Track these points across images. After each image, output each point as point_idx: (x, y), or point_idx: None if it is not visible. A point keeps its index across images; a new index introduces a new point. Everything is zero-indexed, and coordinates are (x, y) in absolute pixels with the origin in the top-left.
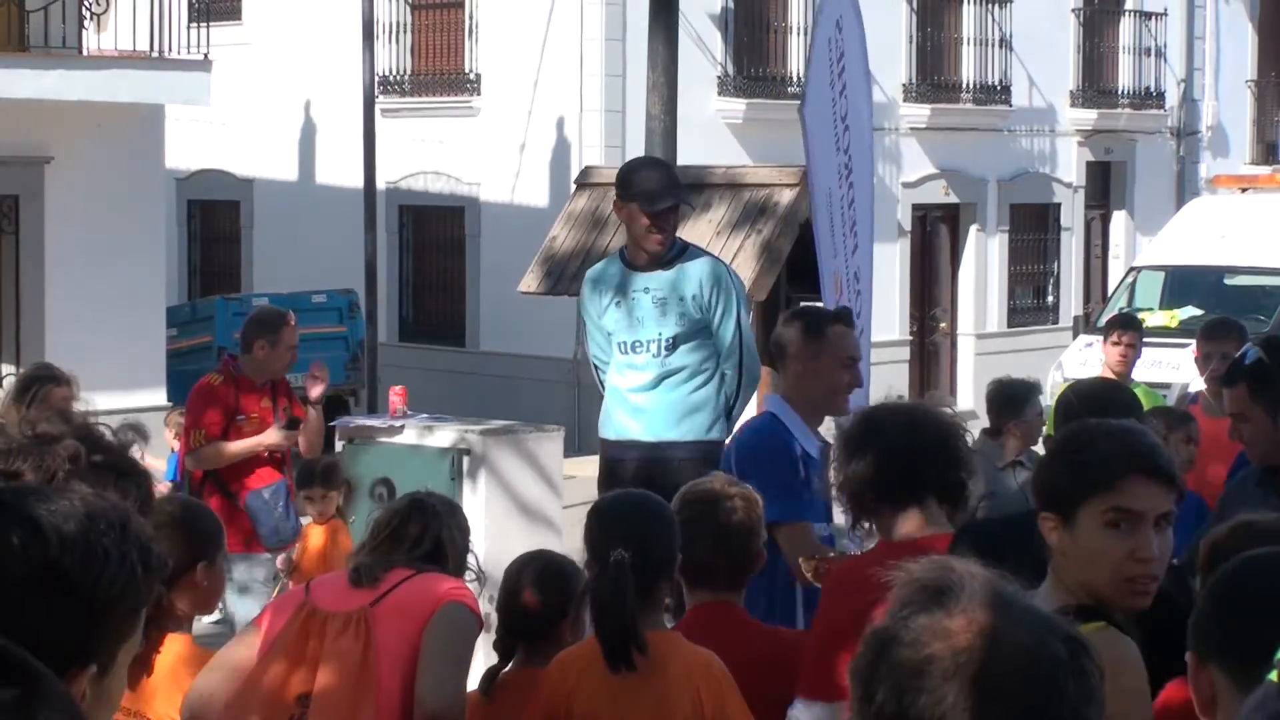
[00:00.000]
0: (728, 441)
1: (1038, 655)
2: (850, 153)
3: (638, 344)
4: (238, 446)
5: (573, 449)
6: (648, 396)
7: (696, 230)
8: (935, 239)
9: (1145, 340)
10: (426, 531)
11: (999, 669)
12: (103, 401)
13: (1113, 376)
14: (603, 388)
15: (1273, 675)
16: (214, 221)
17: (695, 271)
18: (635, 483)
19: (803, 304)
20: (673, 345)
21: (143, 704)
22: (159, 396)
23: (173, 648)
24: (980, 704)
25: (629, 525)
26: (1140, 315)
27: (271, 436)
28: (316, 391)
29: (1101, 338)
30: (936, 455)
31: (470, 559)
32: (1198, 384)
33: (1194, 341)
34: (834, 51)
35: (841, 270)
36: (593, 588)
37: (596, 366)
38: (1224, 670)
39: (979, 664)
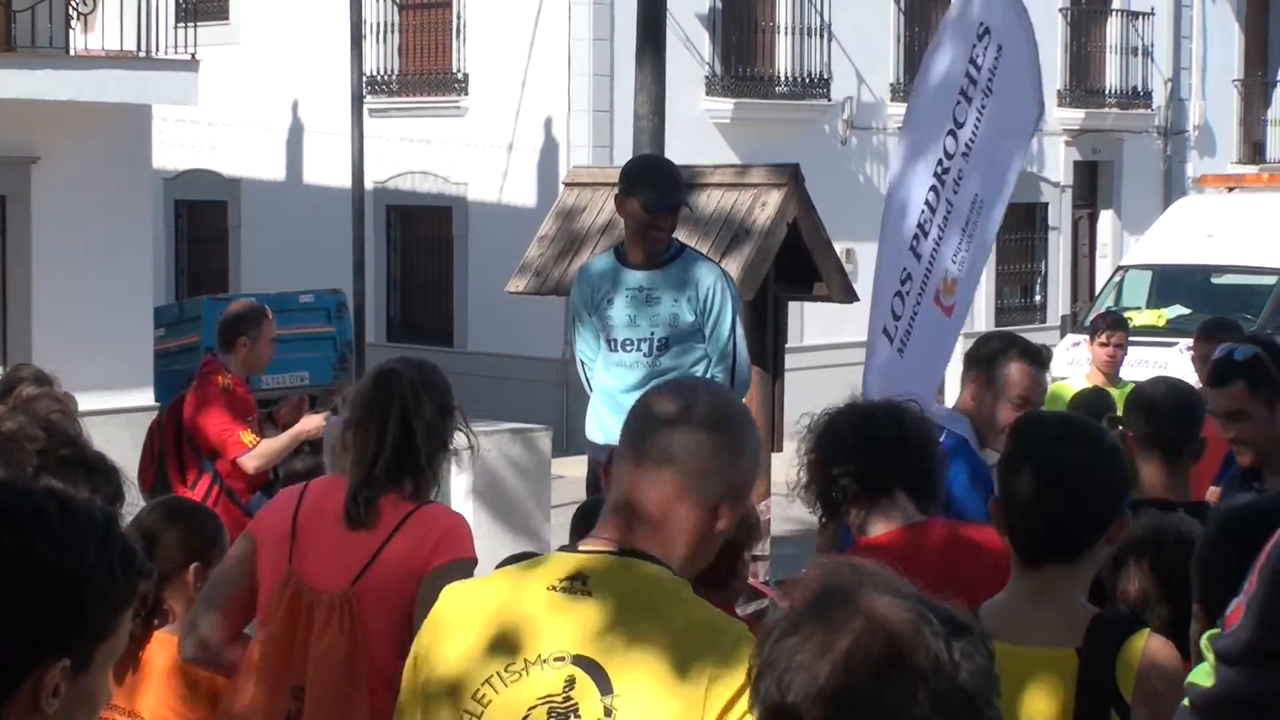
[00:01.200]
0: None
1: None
2: (959, 161)
3: (628, 343)
4: (286, 438)
5: (561, 449)
6: (635, 397)
7: (683, 229)
8: None
9: (1133, 340)
10: (404, 428)
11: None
12: (90, 402)
13: (1101, 376)
14: (588, 385)
15: (1185, 701)
16: (201, 221)
17: (690, 273)
18: None
19: (1014, 333)
20: (664, 346)
21: (135, 702)
22: (147, 396)
23: (164, 648)
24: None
25: None
26: (1128, 314)
27: (312, 422)
28: (289, 416)
29: (1088, 337)
30: (898, 450)
31: (458, 425)
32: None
33: (1181, 341)
34: (977, 59)
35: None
36: None
37: (583, 363)
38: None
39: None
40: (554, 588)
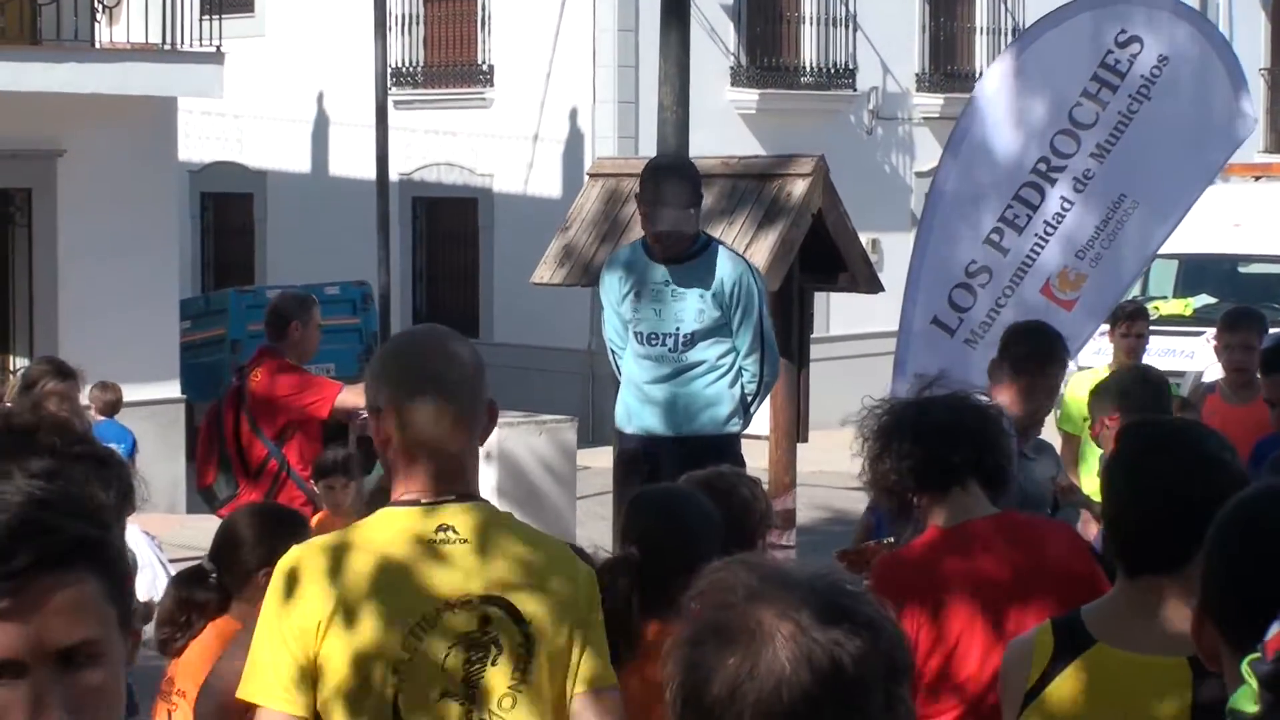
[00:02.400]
0: None
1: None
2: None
3: (654, 336)
4: (354, 396)
5: (586, 440)
6: (664, 389)
7: (708, 221)
8: None
9: (1160, 329)
10: None
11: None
12: None
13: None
14: (618, 371)
15: (1237, 699)
16: (227, 214)
17: (717, 267)
18: (649, 475)
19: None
20: (691, 340)
21: (185, 680)
22: (173, 389)
23: (215, 627)
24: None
25: (647, 522)
26: (1154, 304)
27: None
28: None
29: (1109, 327)
30: (975, 440)
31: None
32: (1213, 372)
33: (1207, 330)
34: (1117, 65)
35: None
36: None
37: (613, 351)
38: (1219, 630)
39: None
40: (429, 541)
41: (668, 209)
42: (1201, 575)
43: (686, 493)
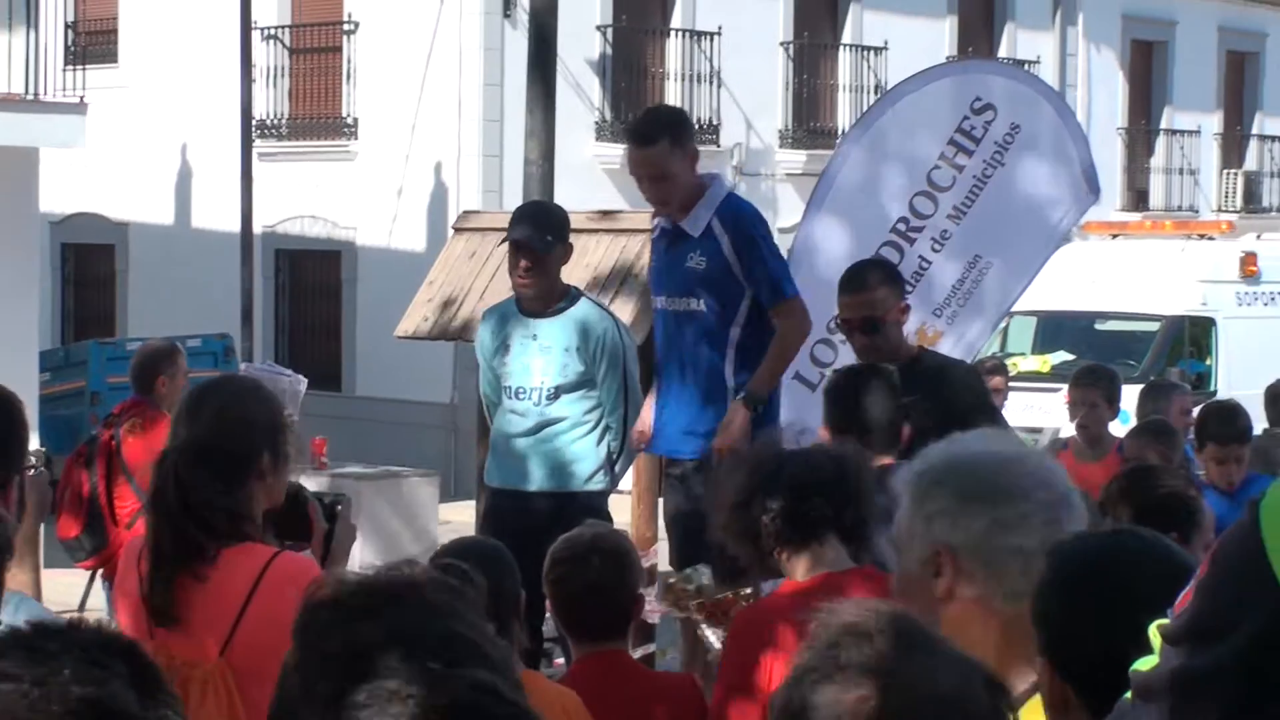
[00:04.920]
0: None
1: (957, 703)
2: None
3: (521, 390)
4: None
5: (449, 494)
6: (529, 443)
7: (574, 275)
8: None
9: (1018, 385)
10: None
11: None
12: None
13: None
14: (491, 423)
15: (1139, 663)
16: (88, 265)
17: (583, 322)
18: (514, 530)
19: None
20: (555, 394)
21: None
22: (32, 441)
23: None
24: None
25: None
26: (1012, 360)
27: None
28: None
29: None
30: (834, 494)
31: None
32: (1069, 429)
33: (1065, 386)
34: (973, 130)
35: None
36: None
37: (487, 405)
38: (1064, 679)
39: None
40: None
41: (523, 225)
42: (1044, 622)
43: (483, 540)
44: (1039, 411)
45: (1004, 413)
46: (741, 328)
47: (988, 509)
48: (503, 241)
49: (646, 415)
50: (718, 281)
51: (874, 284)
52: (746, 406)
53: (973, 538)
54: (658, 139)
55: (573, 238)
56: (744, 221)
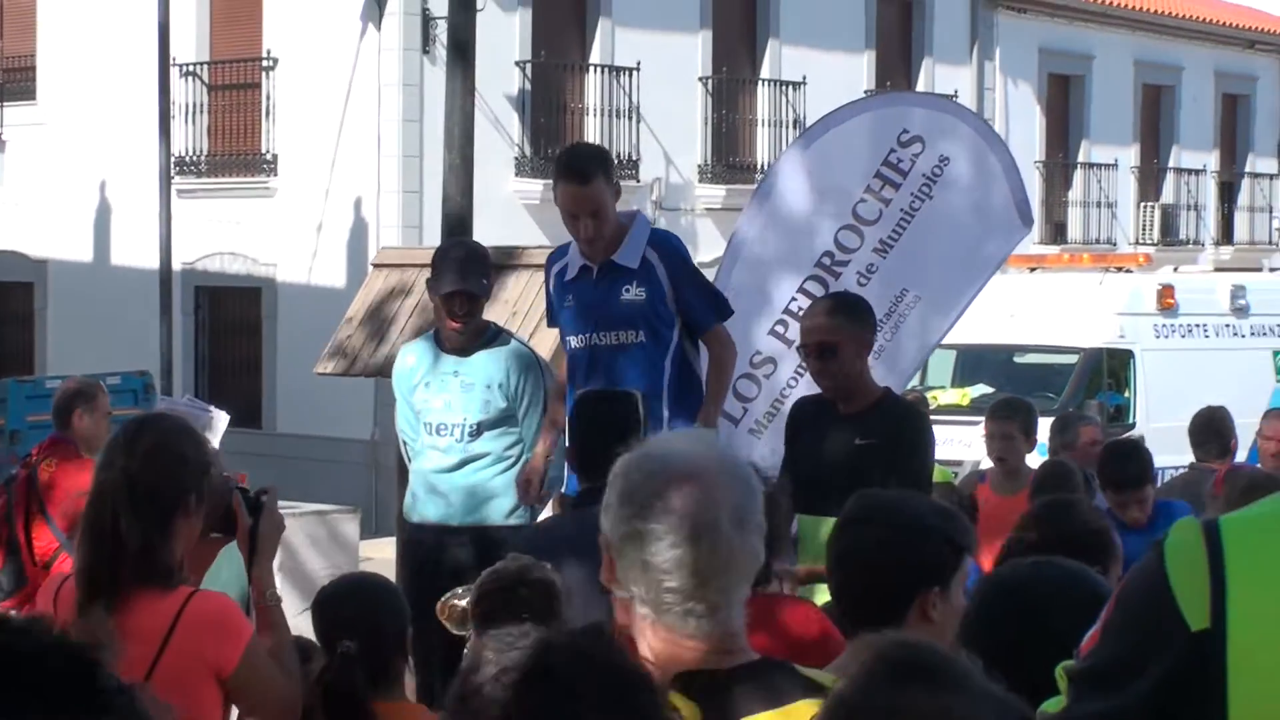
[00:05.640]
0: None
1: None
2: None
3: (443, 426)
4: None
5: (370, 531)
6: (450, 479)
7: (494, 311)
8: None
9: (938, 419)
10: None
11: None
12: None
13: None
14: (409, 462)
15: (1047, 704)
16: (7, 303)
17: (503, 358)
18: (434, 565)
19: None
20: (477, 431)
21: None
22: None
23: None
24: None
25: (355, 611)
26: (932, 393)
27: None
28: None
29: None
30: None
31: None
32: (988, 462)
33: (984, 419)
34: (900, 163)
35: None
36: (325, 678)
37: (404, 441)
38: None
39: None
40: None
41: (455, 273)
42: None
43: (373, 577)
44: (959, 445)
45: None
46: (672, 361)
47: (632, 516)
48: (438, 292)
49: (538, 463)
50: (657, 312)
51: (834, 312)
52: None
53: (617, 539)
54: (593, 176)
55: (496, 274)
56: (676, 249)
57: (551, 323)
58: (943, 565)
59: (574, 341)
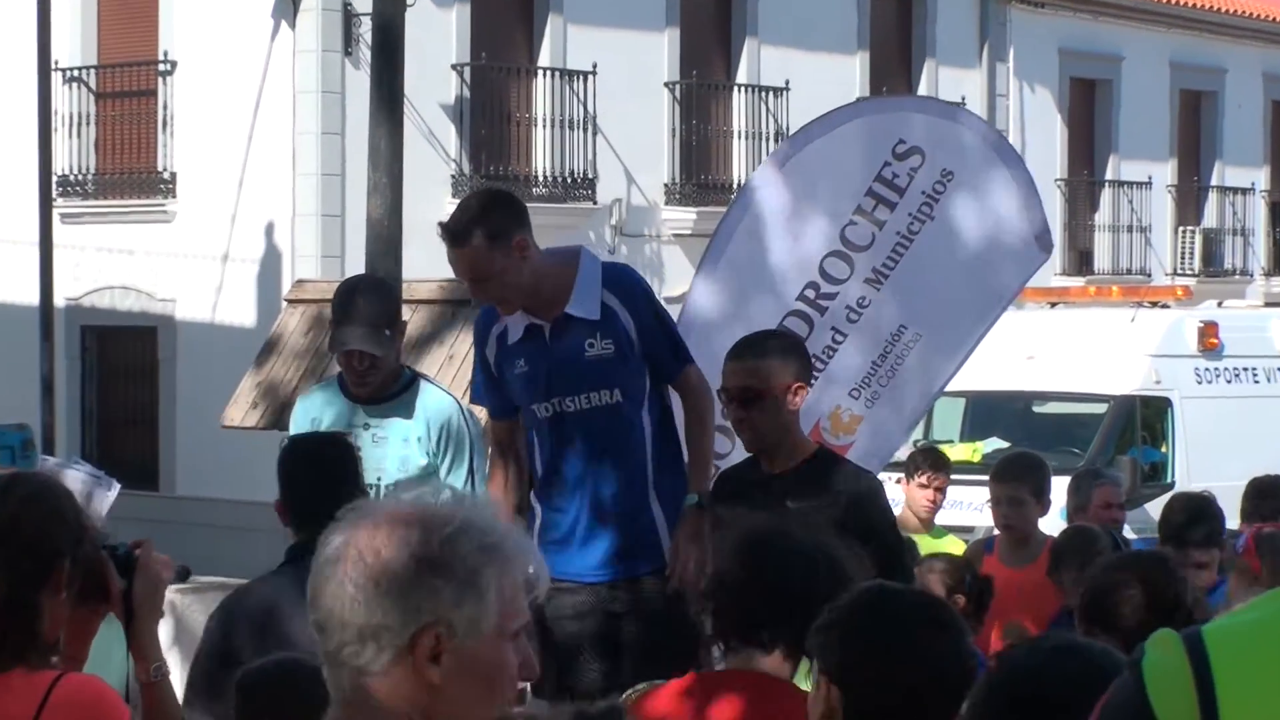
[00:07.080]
0: None
1: None
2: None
3: None
4: None
5: None
6: None
7: (423, 351)
8: None
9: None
10: None
11: None
12: None
13: (915, 521)
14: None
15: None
16: None
17: (423, 411)
18: None
19: None
20: (393, 491)
21: None
22: None
23: None
24: None
25: (291, 701)
26: (941, 448)
27: None
28: None
29: (904, 475)
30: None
31: None
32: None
33: None
34: (895, 179)
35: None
36: None
37: None
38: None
39: None
40: None
41: (354, 326)
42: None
43: (296, 661)
44: (969, 509)
45: (938, 513)
46: (648, 413)
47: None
48: (333, 349)
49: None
50: (628, 364)
51: (764, 354)
52: (700, 511)
53: None
54: (469, 236)
55: (424, 312)
56: (635, 284)
57: (478, 398)
58: None
59: (539, 411)
